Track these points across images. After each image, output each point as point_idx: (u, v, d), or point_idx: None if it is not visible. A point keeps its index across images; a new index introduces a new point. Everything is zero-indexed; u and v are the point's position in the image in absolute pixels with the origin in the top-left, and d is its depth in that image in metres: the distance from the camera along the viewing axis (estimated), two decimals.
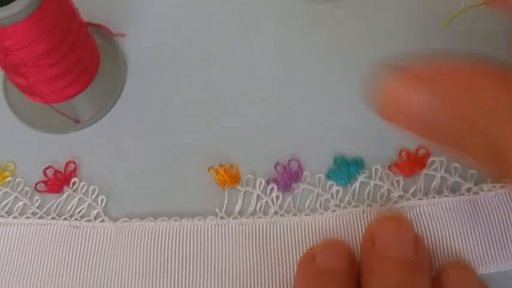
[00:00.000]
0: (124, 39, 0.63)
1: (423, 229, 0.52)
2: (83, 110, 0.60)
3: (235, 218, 0.54)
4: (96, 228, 0.55)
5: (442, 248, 0.51)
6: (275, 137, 0.57)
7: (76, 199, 0.56)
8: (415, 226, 0.52)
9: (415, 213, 0.52)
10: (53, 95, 0.57)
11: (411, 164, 0.54)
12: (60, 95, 0.57)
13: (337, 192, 0.54)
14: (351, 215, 0.53)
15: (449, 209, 0.52)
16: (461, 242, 0.51)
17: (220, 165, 0.56)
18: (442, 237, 0.51)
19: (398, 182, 0.54)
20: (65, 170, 0.57)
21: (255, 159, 0.57)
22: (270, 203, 0.55)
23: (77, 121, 0.59)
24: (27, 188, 0.57)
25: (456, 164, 0.54)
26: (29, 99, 0.58)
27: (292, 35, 0.62)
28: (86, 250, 0.54)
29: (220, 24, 0.63)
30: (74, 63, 0.55)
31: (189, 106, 0.60)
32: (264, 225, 0.54)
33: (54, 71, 0.54)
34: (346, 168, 0.54)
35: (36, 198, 0.56)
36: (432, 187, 0.53)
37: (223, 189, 0.55)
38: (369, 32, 0.61)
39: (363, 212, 0.53)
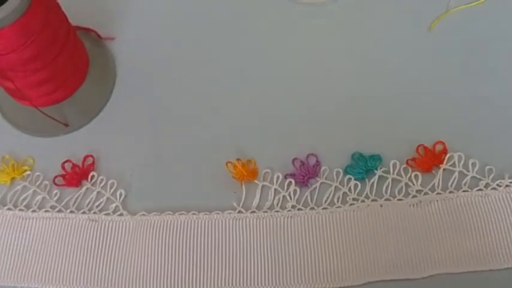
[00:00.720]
0: (113, 42, 0.64)
1: (441, 223, 0.52)
2: (72, 114, 0.60)
3: (253, 212, 0.54)
4: (114, 222, 0.55)
5: (459, 243, 0.51)
6: (292, 132, 0.58)
7: (95, 193, 0.57)
8: (433, 221, 0.52)
9: (434, 208, 0.52)
10: (41, 99, 0.57)
11: (428, 159, 0.54)
12: (48, 98, 0.57)
13: (355, 186, 0.54)
14: (368, 208, 0.53)
15: (468, 204, 0.52)
16: (479, 236, 0.51)
17: (238, 159, 0.56)
18: (459, 231, 0.51)
19: (416, 176, 0.54)
20: (83, 164, 0.58)
21: (271, 154, 0.57)
22: (288, 197, 0.55)
23: (66, 124, 0.59)
24: (45, 182, 0.57)
25: (474, 160, 0.54)
26: (18, 103, 0.58)
27: (285, 35, 0.63)
28: (104, 243, 0.54)
29: (211, 25, 0.64)
30: (62, 67, 0.55)
31: (185, 105, 0.60)
32: (282, 219, 0.54)
33: (42, 75, 0.54)
34: (363, 164, 0.55)
35: (55, 192, 0.57)
36: (450, 182, 0.54)
37: (241, 184, 0.55)
38: (359, 34, 0.62)
39: (381, 206, 0.53)
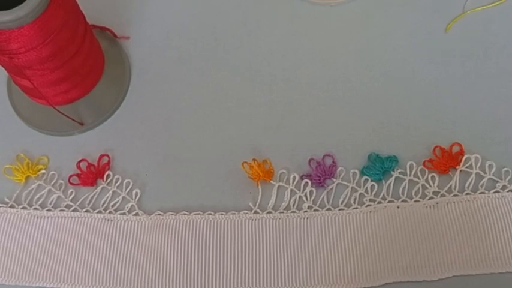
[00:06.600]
0: (128, 41, 0.63)
1: (458, 225, 0.52)
2: (87, 112, 0.60)
3: (269, 212, 0.54)
4: (130, 222, 0.55)
5: (476, 244, 0.51)
6: (308, 132, 0.58)
7: (110, 192, 0.56)
8: (450, 222, 0.52)
9: (451, 210, 0.52)
10: (57, 98, 0.57)
11: (445, 160, 0.54)
12: (65, 97, 0.57)
13: (372, 187, 0.54)
14: (385, 210, 0.53)
15: (485, 206, 0.52)
16: (497, 238, 0.51)
17: (254, 160, 0.56)
18: (476, 233, 0.51)
19: (433, 178, 0.54)
20: (98, 163, 0.58)
21: (287, 155, 0.57)
22: (304, 198, 0.55)
23: (81, 123, 0.59)
24: (60, 181, 0.57)
25: (491, 162, 0.54)
26: (33, 101, 0.58)
27: (298, 36, 0.62)
28: (119, 243, 0.54)
29: (225, 25, 0.64)
30: (79, 65, 0.55)
31: (201, 104, 0.60)
32: (298, 220, 0.54)
33: (60, 74, 0.54)
34: (380, 165, 0.55)
35: (70, 191, 0.57)
36: (467, 184, 0.53)
37: (257, 184, 0.55)
38: (375, 35, 0.62)
39: (398, 208, 0.53)
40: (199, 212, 0.55)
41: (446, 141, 0.55)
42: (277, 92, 0.60)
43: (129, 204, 0.56)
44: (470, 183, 0.54)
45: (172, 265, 0.53)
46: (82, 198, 0.56)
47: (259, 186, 0.55)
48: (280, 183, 0.55)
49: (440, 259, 0.51)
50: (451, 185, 0.54)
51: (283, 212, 0.54)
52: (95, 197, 0.57)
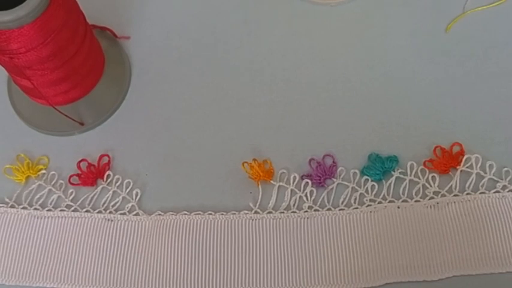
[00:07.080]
0: (128, 41, 0.63)
1: (458, 225, 0.52)
2: (87, 112, 0.60)
3: (269, 212, 0.54)
4: (130, 222, 0.55)
5: (477, 244, 0.51)
6: (308, 132, 0.58)
7: (110, 192, 0.56)
8: (450, 222, 0.52)
9: (451, 210, 0.52)
10: (58, 98, 0.57)
11: (446, 160, 0.54)
12: (65, 97, 0.57)
13: (372, 187, 0.54)
14: (386, 210, 0.53)
15: (485, 206, 0.52)
16: (497, 238, 0.51)
17: (254, 160, 0.56)
18: (476, 233, 0.51)
19: (433, 178, 0.54)
20: (98, 163, 0.58)
21: (287, 155, 0.57)
22: (304, 198, 0.55)
23: (81, 123, 0.59)
24: (61, 181, 0.57)
25: (491, 162, 0.54)
26: (33, 101, 0.58)
27: (298, 36, 0.62)
28: (120, 243, 0.54)
29: (225, 25, 0.64)
30: (79, 66, 0.55)
31: (201, 104, 0.60)
32: (298, 220, 0.54)
33: (60, 74, 0.54)
34: (380, 165, 0.55)
35: (70, 191, 0.57)
36: (468, 184, 0.54)
37: (257, 184, 0.55)
38: (375, 35, 0.62)
39: (398, 208, 0.53)
40: (200, 212, 0.55)
41: (447, 141, 0.55)
42: (277, 92, 0.60)
43: (130, 204, 0.56)
44: (470, 183, 0.54)
45: (172, 265, 0.53)
46: (82, 198, 0.56)
47: (260, 186, 0.55)
48: (281, 183, 0.55)
49: (440, 259, 0.51)
50: (451, 185, 0.54)
51: (283, 212, 0.54)
52: (95, 197, 0.57)
